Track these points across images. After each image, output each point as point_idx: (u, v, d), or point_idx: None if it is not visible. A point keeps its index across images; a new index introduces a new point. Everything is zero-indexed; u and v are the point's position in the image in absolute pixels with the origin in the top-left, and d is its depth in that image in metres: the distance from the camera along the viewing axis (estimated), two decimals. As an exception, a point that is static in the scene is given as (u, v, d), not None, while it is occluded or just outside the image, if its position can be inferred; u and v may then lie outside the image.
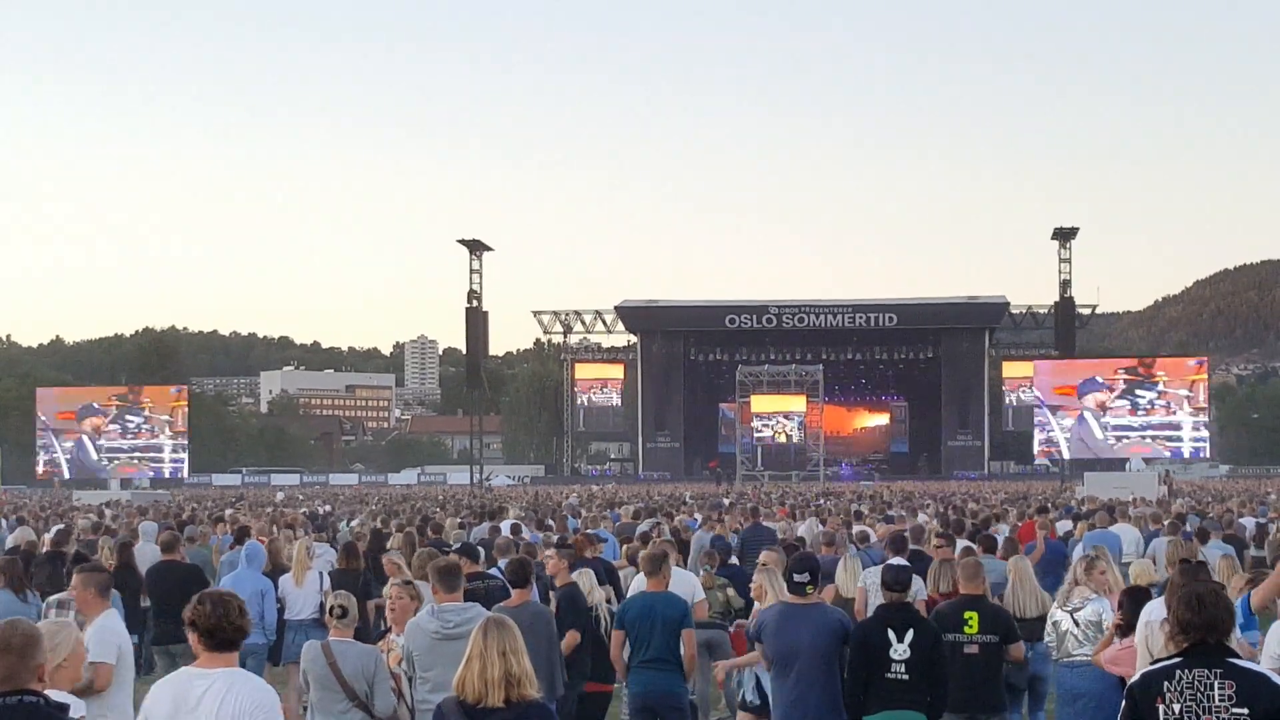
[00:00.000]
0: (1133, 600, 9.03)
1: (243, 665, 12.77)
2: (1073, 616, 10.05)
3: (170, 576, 13.72)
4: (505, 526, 21.42)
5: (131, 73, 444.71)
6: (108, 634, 8.17)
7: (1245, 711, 5.14)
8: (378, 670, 8.27)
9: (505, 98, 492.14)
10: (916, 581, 11.92)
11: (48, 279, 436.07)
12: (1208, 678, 5.21)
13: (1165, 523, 20.06)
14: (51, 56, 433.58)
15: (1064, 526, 22.17)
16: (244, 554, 13.85)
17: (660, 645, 9.87)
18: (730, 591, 13.20)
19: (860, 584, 12.23)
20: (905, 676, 8.59)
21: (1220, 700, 5.18)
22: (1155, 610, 8.30)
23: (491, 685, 5.83)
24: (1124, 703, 5.45)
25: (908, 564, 10.18)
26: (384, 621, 10.14)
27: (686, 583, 11.62)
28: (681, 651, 9.92)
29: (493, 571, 12.27)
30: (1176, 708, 5.23)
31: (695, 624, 10.47)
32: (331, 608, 8.52)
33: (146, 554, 16.45)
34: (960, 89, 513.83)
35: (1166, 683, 5.28)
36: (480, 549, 14.37)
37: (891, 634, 8.65)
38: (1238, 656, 5.35)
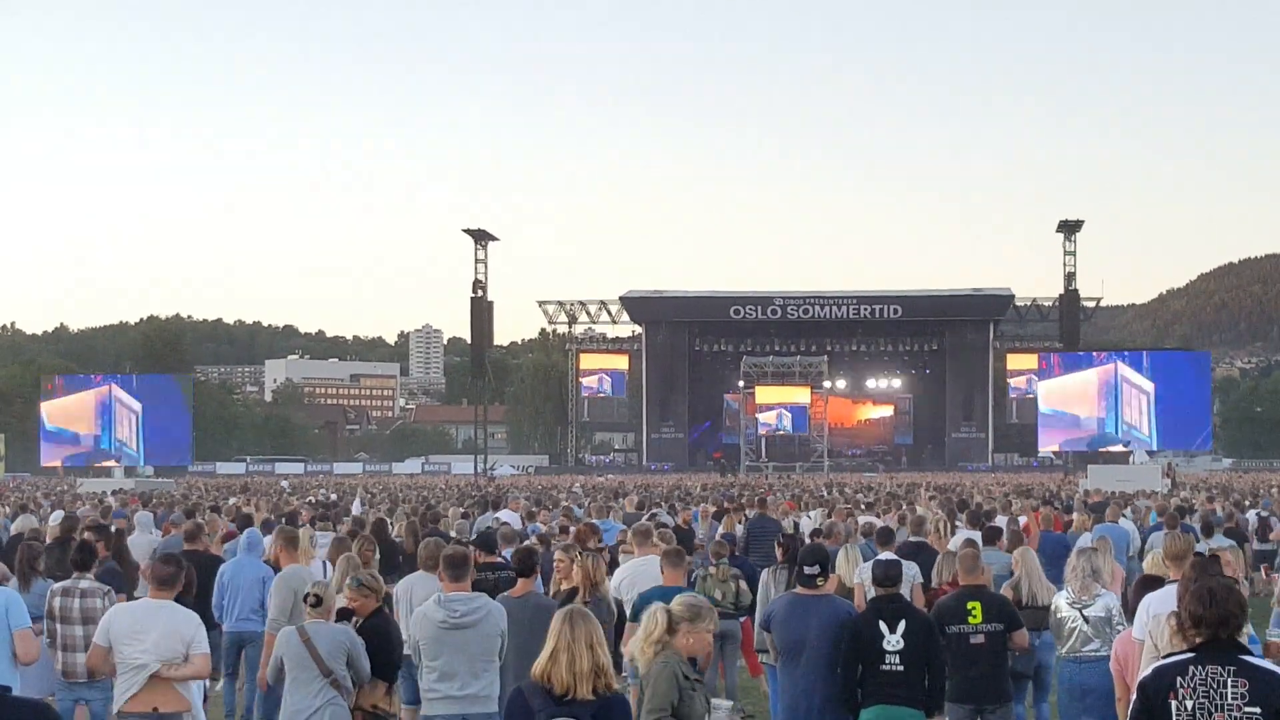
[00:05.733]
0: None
1: (242, 652, 12.88)
2: (1081, 612, 10.00)
3: (194, 566, 13.83)
4: (505, 515, 21.44)
5: (136, 62, 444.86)
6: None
7: (1258, 710, 5.10)
8: (353, 644, 8.52)
9: (509, 87, 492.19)
10: (911, 566, 11.93)
11: (52, 266, 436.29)
12: (1221, 675, 5.17)
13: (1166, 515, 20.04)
14: (56, 44, 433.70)
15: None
16: (243, 541, 13.83)
17: None
18: (742, 584, 13.25)
19: (858, 580, 12.10)
20: (900, 667, 8.60)
21: (1233, 698, 5.14)
22: (1156, 603, 8.28)
23: (581, 677, 5.96)
24: (1135, 697, 5.41)
25: (897, 558, 10.18)
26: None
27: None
28: None
29: (503, 560, 12.26)
30: (1189, 704, 5.19)
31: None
32: (307, 595, 8.77)
33: (141, 544, 16.41)
34: (965, 81, 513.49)
35: (1180, 678, 5.23)
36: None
37: (883, 625, 8.66)
38: (1250, 653, 5.31)
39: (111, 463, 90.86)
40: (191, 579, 10.25)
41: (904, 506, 24.65)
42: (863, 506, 24.66)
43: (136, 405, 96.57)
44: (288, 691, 8.48)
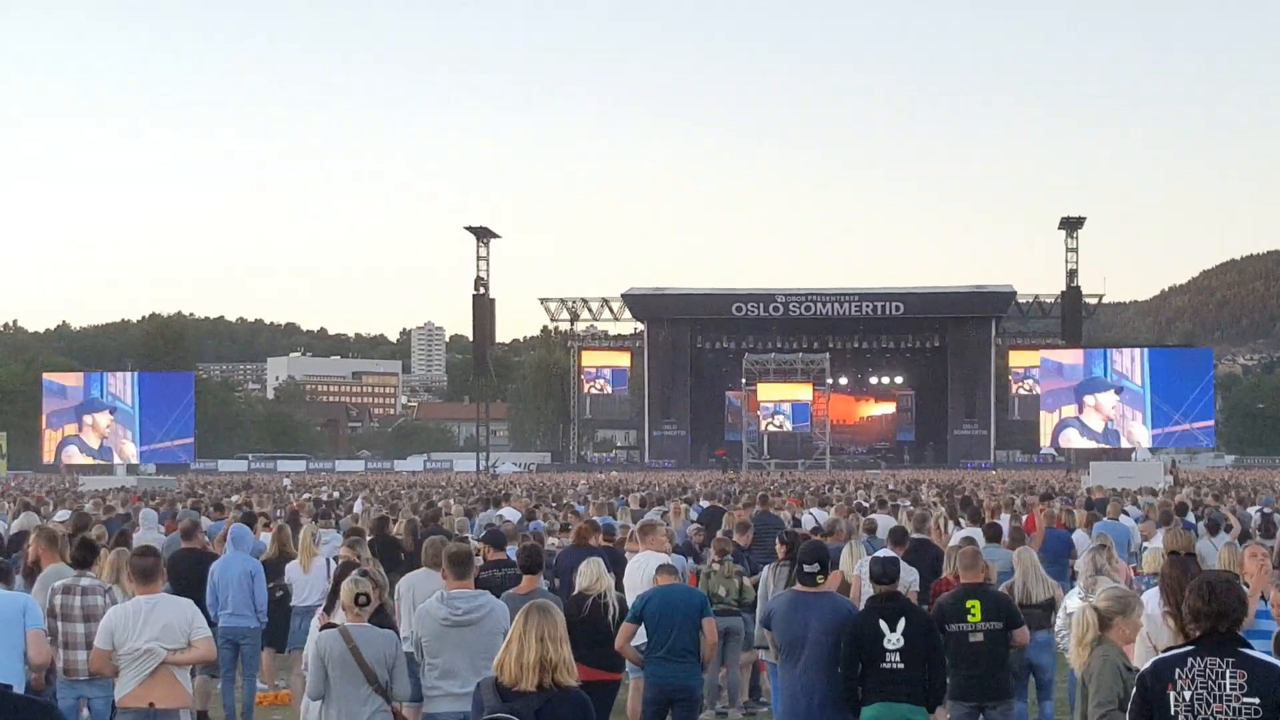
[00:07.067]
0: None
1: (237, 649, 12.91)
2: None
3: (190, 563, 13.84)
4: (507, 513, 21.43)
5: (136, 62, 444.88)
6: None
7: (1256, 701, 5.13)
8: (398, 655, 8.24)
9: (510, 85, 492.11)
10: (911, 572, 11.94)
11: (53, 265, 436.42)
12: (1219, 666, 5.21)
13: (1169, 511, 19.99)
14: (56, 44, 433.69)
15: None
16: (230, 536, 13.81)
17: (680, 637, 9.95)
18: (746, 580, 13.29)
19: (856, 573, 12.11)
20: (901, 665, 8.62)
21: (1231, 689, 5.17)
22: (1149, 600, 8.29)
23: (526, 669, 5.89)
24: (1134, 691, 5.44)
25: (895, 556, 10.19)
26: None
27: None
28: (702, 640, 10.04)
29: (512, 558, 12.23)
30: (1187, 695, 5.22)
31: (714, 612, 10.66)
32: (357, 595, 8.30)
33: (147, 541, 16.38)
34: (965, 80, 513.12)
35: (1178, 670, 5.28)
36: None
37: (884, 624, 8.67)
38: (1250, 646, 5.34)
39: (106, 414, 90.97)
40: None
41: (907, 503, 24.64)
42: (865, 506, 24.55)
43: (132, 383, 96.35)
44: (331, 701, 8.11)
